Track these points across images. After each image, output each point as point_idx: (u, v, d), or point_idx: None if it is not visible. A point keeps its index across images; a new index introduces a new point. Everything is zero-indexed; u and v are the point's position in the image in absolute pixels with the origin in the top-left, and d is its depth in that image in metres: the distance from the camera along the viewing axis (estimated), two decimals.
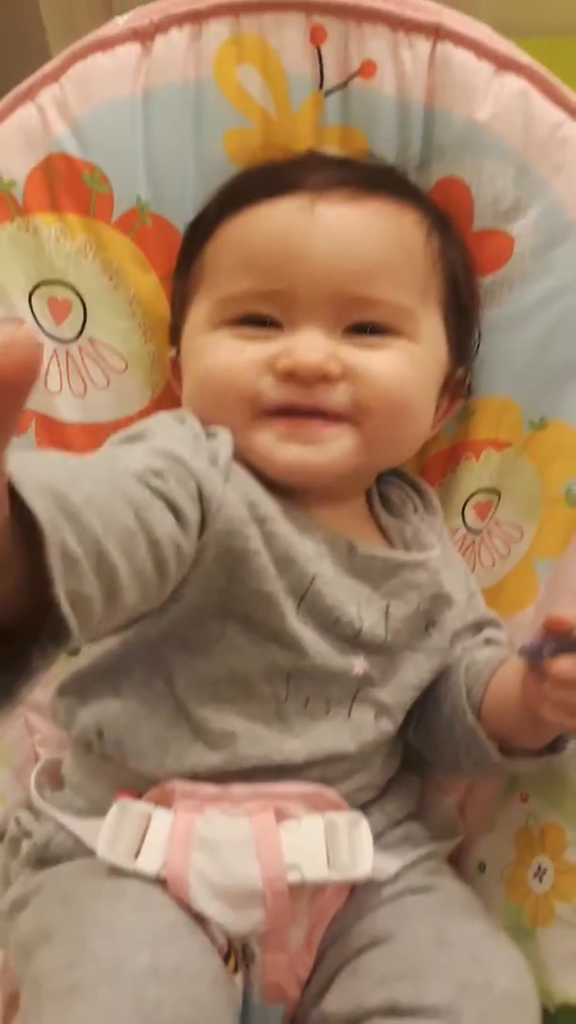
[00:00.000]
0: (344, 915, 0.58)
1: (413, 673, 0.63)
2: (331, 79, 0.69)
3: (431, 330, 0.63)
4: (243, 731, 0.57)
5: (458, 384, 0.69)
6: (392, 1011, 0.50)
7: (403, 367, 0.60)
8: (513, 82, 0.67)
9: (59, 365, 0.73)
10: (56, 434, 0.74)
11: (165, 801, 0.56)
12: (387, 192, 0.63)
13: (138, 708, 0.59)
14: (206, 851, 0.54)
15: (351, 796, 0.60)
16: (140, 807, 0.56)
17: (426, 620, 0.64)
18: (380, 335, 0.60)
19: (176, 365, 0.69)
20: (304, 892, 0.55)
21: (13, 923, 0.58)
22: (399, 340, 0.61)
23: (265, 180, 0.63)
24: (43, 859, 0.61)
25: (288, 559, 0.57)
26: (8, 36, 1.40)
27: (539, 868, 0.65)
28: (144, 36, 0.68)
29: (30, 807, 0.65)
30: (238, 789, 0.56)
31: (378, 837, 0.60)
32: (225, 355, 0.59)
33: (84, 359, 0.74)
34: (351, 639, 0.60)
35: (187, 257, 0.67)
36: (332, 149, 0.70)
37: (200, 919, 0.53)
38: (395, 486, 0.70)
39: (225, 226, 0.63)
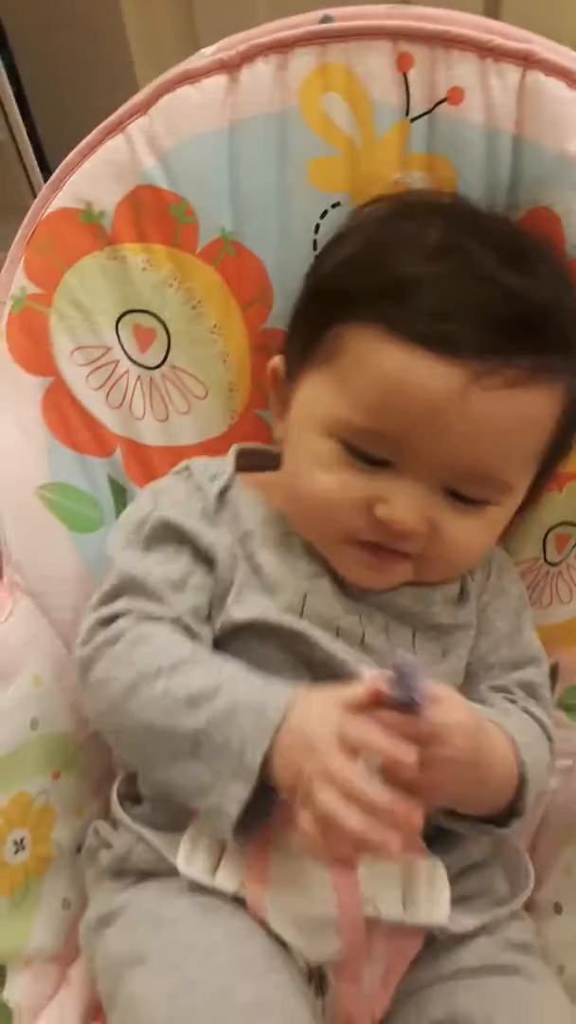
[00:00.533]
0: (423, 969, 0.58)
1: None
2: (417, 106, 0.68)
3: (522, 487, 0.64)
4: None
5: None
6: None
7: (481, 537, 0.62)
8: None
9: (143, 391, 0.75)
10: (141, 457, 0.76)
11: None
12: (549, 364, 0.58)
13: None
14: (282, 874, 0.54)
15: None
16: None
17: (441, 647, 0.64)
18: (475, 505, 0.61)
19: (277, 378, 0.68)
20: (379, 929, 0.55)
21: (100, 938, 0.60)
22: (488, 508, 0.62)
23: (419, 308, 0.57)
24: (122, 870, 0.63)
25: (278, 584, 0.62)
26: (97, 66, 1.43)
27: None
28: (231, 67, 0.69)
29: (109, 818, 0.67)
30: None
31: (452, 881, 0.60)
32: (331, 485, 0.60)
33: (167, 385, 0.75)
34: (358, 646, 0.62)
35: (322, 320, 0.62)
36: (418, 177, 0.69)
37: (282, 942, 0.54)
38: None
39: (365, 334, 0.58)
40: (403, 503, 0.58)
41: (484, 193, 0.67)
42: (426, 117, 0.68)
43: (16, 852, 0.66)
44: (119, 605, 0.62)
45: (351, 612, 0.63)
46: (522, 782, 0.58)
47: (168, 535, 0.64)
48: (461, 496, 0.60)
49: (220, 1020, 0.47)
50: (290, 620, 0.61)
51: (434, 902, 0.55)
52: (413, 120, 0.69)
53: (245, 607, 0.62)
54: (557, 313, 0.58)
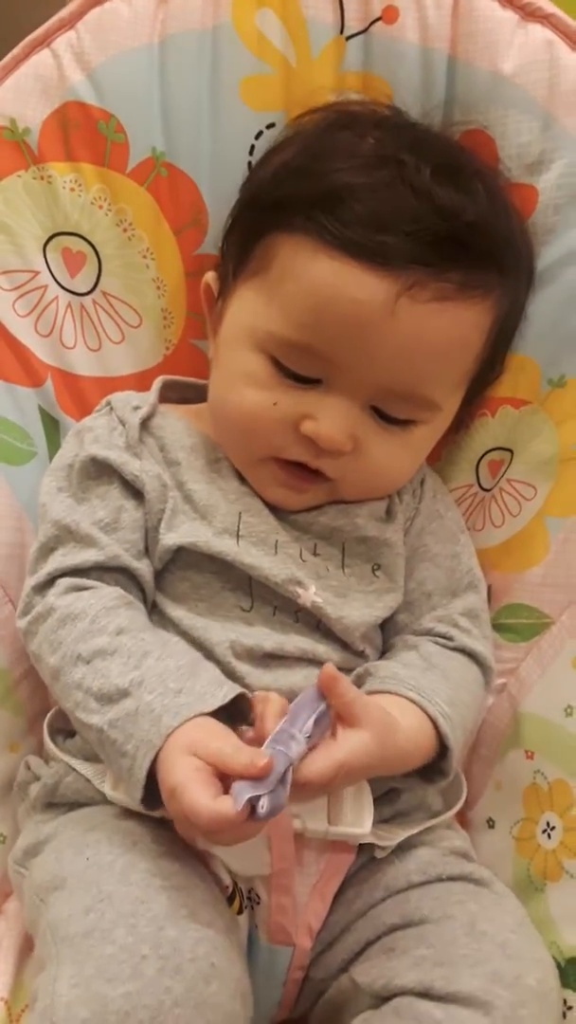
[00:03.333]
0: (373, 888, 0.59)
1: (362, 612, 0.63)
2: (352, 24, 0.67)
3: (450, 407, 0.65)
4: (216, 632, 0.60)
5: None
6: (425, 994, 0.51)
7: (400, 458, 0.63)
8: (538, 32, 0.66)
9: (74, 319, 0.73)
10: (73, 387, 0.74)
11: None
12: (479, 280, 0.58)
13: None
14: None
15: None
16: None
17: (371, 563, 0.65)
18: (401, 424, 0.61)
19: (211, 296, 0.67)
20: (308, 843, 0.56)
21: (27, 869, 0.59)
22: (414, 427, 0.62)
23: (349, 218, 0.56)
24: (52, 802, 0.62)
25: (211, 508, 0.63)
26: None
27: (548, 825, 0.66)
28: None
29: (41, 753, 0.67)
30: (247, 733, 0.57)
31: (384, 796, 0.61)
32: (258, 401, 0.60)
33: (99, 313, 0.73)
34: (296, 563, 0.62)
35: (255, 229, 0.62)
36: (354, 97, 0.68)
37: (206, 863, 0.54)
38: None
39: (297, 244, 0.58)
40: (330, 420, 0.58)
41: (419, 113, 0.67)
42: (361, 36, 0.68)
43: None
44: (52, 564, 0.61)
45: (284, 530, 0.64)
46: (444, 751, 0.59)
47: (96, 472, 0.64)
48: (388, 415, 0.60)
49: (133, 929, 0.47)
50: (227, 545, 0.61)
51: (358, 816, 0.55)
52: (348, 39, 0.68)
53: (179, 533, 0.62)
54: (489, 230, 0.59)
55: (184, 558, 0.62)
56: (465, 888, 0.58)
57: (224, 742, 0.50)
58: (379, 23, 0.67)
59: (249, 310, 0.61)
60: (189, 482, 0.64)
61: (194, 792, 0.47)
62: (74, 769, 0.61)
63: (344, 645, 0.63)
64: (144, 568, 0.62)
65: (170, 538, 0.61)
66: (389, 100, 0.68)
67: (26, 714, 0.72)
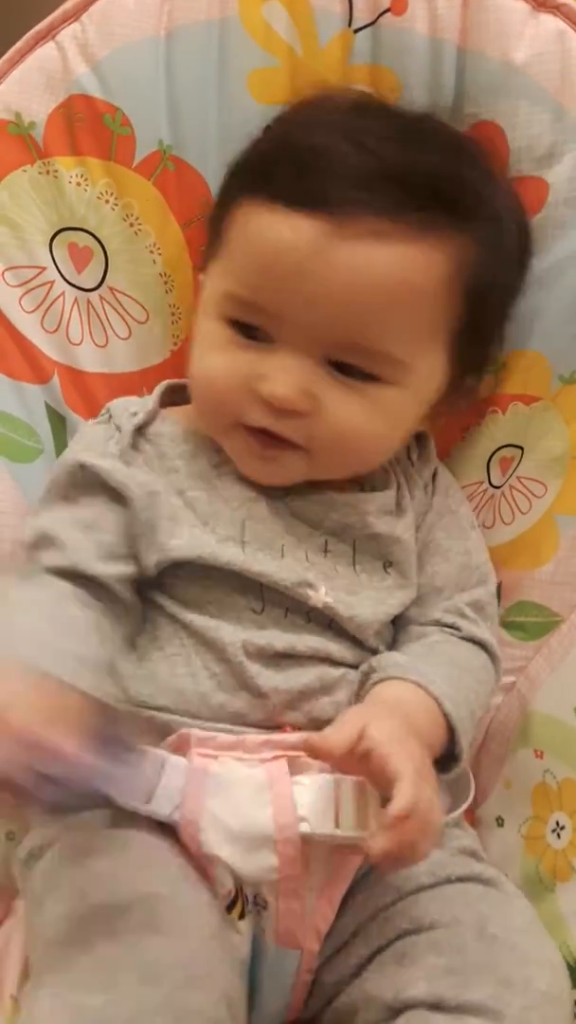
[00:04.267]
0: (382, 892, 0.58)
1: (374, 609, 0.63)
2: (360, 16, 0.66)
3: (425, 370, 0.61)
4: (227, 632, 0.59)
5: (468, 391, 0.67)
6: (437, 1006, 0.51)
7: (368, 419, 0.60)
8: (550, 22, 0.65)
9: (81, 315, 0.72)
10: (80, 384, 0.74)
11: (182, 749, 0.57)
12: (421, 219, 0.56)
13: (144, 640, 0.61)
14: (220, 795, 0.55)
15: None
16: (155, 752, 0.56)
17: (382, 560, 0.64)
18: (363, 380, 0.59)
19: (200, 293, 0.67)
20: (318, 846, 0.56)
21: (30, 873, 0.59)
22: (378, 386, 0.59)
23: (298, 174, 0.57)
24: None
25: (213, 514, 0.62)
26: None
27: (557, 824, 0.66)
28: None
29: None
30: (252, 737, 0.57)
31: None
32: (218, 365, 0.60)
33: (106, 309, 0.73)
34: (304, 566, 0.61)
35: (225, 202, 0.63)
36: (362, 89, 0.67)
37: (204, 870, 0.54)
38: None
39: (249, 206, 0.59)
40: (282, 377, 0.57)
41: (428, 105, 0.66)
42: (369, 28, 0.67)
43: None
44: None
45: (291, 532, 0.63)
46: (453, 737, 0.58)
47: (83, 479, 0.63)
48: (348, 369, 0.59)
49: (111, 940, 0.47)
50: (232, 553, 0.60)
51: (363, 817, 0.54)
52: (356, 31, 0.67)
53: (184, 542, 0.61)
54: (437, 173, 0.58)
55: (190, 566, 0.61)
56: (474, 889, 0.58)
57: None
58: (387, 14, 0.66)
59: (212, 282, 0.62)
60: (189, 489, 0.63)
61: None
62: None
63: (357, 642, 0.63)
64: (110, 572, 0.60)
65: (176, 549, 0.60)
66: (397, 92, 0.67)
67: None
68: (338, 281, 0.56)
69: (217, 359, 0.60)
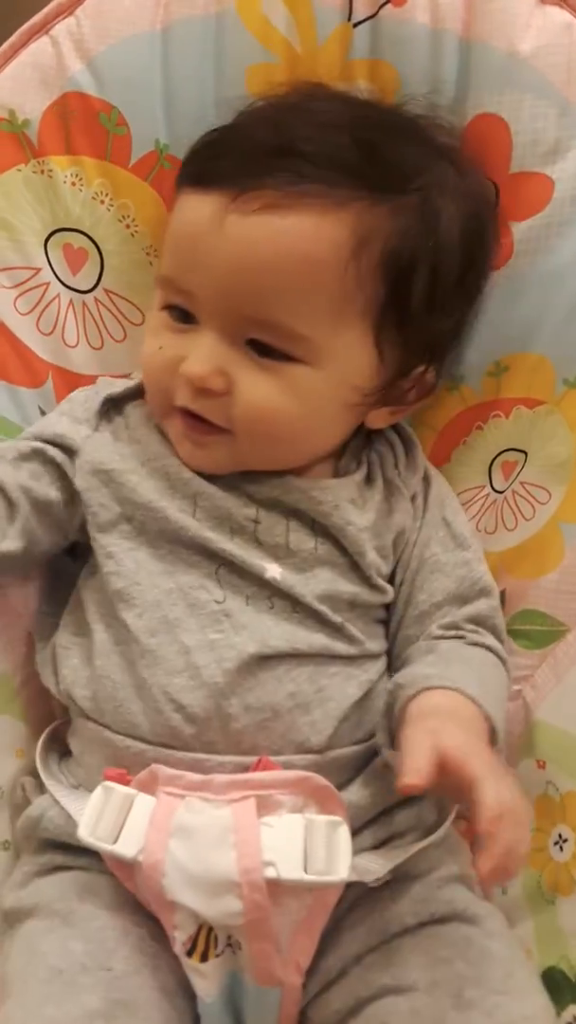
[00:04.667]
0: (361, 922, 0.58)
1: (327, 587, 0.62)
2: (360, 9, 0.65)
3: (341, 349, 0.60)
4: (195, 644, 0.59)
5: (422, 384, 0.65)
6: None
7: (278, 398, 0.59)
8: (557, 15, 0.63)
9: (76, 317, 0.71)
10: (74, 387, 0.72)
11: (150, 787, 0.56)
12: (317, 190, 0.56)
13: (102, 662, 0.61)
14: (184, 838, 0.54)
15: (329, 766, 0.58)
16: (123, 791, 0.56)
17: (339, 548, 0.63)
18: (275, 358, 0.59)
19: None
20: (285, 889, 0.54)
21: (10, 931, 0.59)
22: (293, 366, 0.59)
23: (210, 156, 0.61)
24: (32, 836, 0.62)
25: (171, 482, 0.62)
26: None
27: (560, 837, 0.65)
28: None
29: (35, 773, 0.65)
30: (220, 778, 0.56)
31: (367, 825, 0.59)
32: (150, 349, 0.63)
33: (101, 311, 0.72)
34: (254, 540, 0.61)
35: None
36: (361, 85, 0.66)
37: (164, 917, 0.54)
38: (385, 439, 0.68)
39: (179, 192, 0.62)
40: (196, 355, 0.59)
41: (428, 99, 0.64)
42: (369, 22, 0.65)
43: None
44: None
45: (247, 506, 0.62)
46: (492, 730, 0.57)
47: (40, 432, 0.66)
48: (264, 350, 0.59)
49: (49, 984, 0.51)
50: (185, 520, 0.61)
51: (334, 860, 0.53)
52: (356, 25, 0.65)
53: (140, 512, 0.62)
54: (332, 139, 0.58)
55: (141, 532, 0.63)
56: (455, 933, 0.57)
57: None
58: (388, 6, 0.64)
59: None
60: (153, 461, 0.63)
61: None
62: (57, 802, 0.60)
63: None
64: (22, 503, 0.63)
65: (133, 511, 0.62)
66: (396, 85, 0.65)
67: (29, 720, 0.71)
68: (232, 253, 0.57)
69: (152, 342, 0.62)
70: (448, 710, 0.55)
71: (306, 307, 0.58)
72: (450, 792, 0.51)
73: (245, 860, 0.53)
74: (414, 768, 0.48)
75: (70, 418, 0.66)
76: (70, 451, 0.64)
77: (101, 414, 0.66)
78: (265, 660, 0.59)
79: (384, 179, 0.58)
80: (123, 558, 0.62)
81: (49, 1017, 0.51)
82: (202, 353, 0.59)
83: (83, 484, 0.63)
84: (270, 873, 0.53)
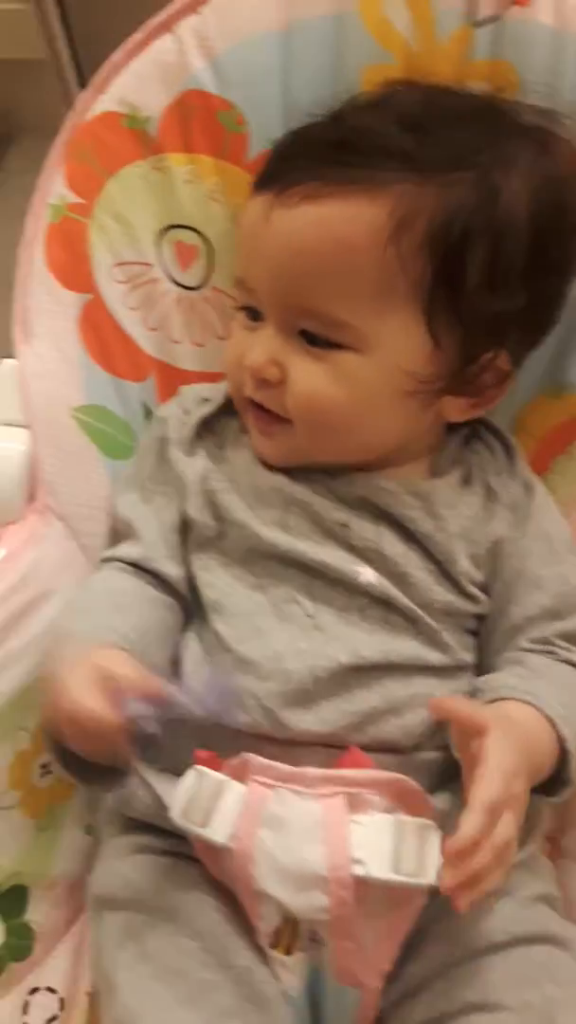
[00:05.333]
0: (446, 933, 0.56)
1: (421, 592, 0.61)
2: (484, 10, 0.64)
3: (390, 337, 0.58)
4: (286, 651, 0.59)
5: (495, 371, 0.62)
6: None
7: (327, 386, 0.59)
8: None
9: (182, 314, 0.72)
10: (176, 382, 0.73)
11: (241, 775, 0.56)
12: (354, 175, 0.56)
13: (193, 669, 0.61)
14: (274, 828, 0.53)
15: (415, 767, 0.58)
16: (216, 777, 0.55)
17: (429, 552, 0.62)
18: (323, 346, 0.59)
19: None
20: (373, 888, 0.53)
21: (97, 917, 0.60)
22: (340, 353, 0.59)
23: (273, 158, 0.64)
24: (121, 816, 0.62)
25: (260, 501, 0.63)
26: None
27: None
28: None
29: None
30: (312, 772, 0.55)
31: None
32: (229, 347, 0.65)
33: (207, 308, 0.72)
34: (346, 544, 0.61)
35: None
36: (480, 86, 0.65)
37: (249, 907, 0.54)
38: (484, 444, 0.67)
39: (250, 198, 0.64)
40: (256, 347, 0.61)
41: (545, 101, 0.62)
42: (492, 23, 0.65)
43: (43, 776, 0.65)
44: (109, 553, 0.65)
45: (337, 510, 0.62)
46: (564, 755, 0.56)
47: (154, 462, 0.66)
48: (314, 339, 0.59)
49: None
50: (274, 535, 0.61)
51: (424, 863, 0.52)
52: (477, 26, 0.65)
53: (233, 530, 0.62)
54: (382, 127, 0.58)
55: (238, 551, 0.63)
56: (546, 958, 0.55)
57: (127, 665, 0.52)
58: (513, 6, 0.64)
59: None
60: (244, 477, 0.64)
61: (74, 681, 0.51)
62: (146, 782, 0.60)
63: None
64: (173, 564, 0.64)
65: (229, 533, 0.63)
66: (516, 87, 0.64)
67: None
68: (276, 245, 0.59)
69: (231, 341, 0.65)
70: (518, 722, 0.54)
71: (345, 293, 0.58)
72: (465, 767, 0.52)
73: (334, 856, 0.52)
74: (461, 706, 0.52)
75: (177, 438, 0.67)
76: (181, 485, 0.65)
77: (195, 438, 0.66)
78: (357, 670, 0.58)
79: (434, 159, 0.57)
80: (218, 572, 0.62)
81: (185, 1020, 0.51)
82: (261, 345, 0.60)
83: (193, 512, 0.64)
84: (358, 871, 0.52)
